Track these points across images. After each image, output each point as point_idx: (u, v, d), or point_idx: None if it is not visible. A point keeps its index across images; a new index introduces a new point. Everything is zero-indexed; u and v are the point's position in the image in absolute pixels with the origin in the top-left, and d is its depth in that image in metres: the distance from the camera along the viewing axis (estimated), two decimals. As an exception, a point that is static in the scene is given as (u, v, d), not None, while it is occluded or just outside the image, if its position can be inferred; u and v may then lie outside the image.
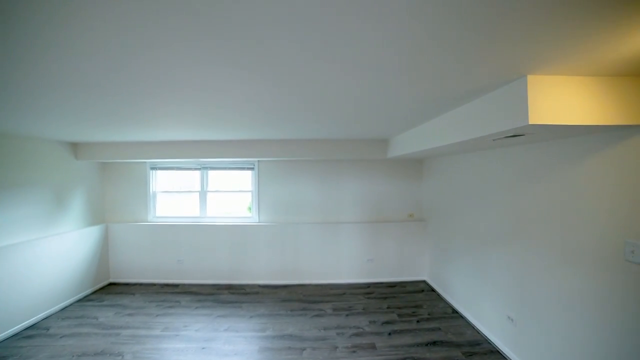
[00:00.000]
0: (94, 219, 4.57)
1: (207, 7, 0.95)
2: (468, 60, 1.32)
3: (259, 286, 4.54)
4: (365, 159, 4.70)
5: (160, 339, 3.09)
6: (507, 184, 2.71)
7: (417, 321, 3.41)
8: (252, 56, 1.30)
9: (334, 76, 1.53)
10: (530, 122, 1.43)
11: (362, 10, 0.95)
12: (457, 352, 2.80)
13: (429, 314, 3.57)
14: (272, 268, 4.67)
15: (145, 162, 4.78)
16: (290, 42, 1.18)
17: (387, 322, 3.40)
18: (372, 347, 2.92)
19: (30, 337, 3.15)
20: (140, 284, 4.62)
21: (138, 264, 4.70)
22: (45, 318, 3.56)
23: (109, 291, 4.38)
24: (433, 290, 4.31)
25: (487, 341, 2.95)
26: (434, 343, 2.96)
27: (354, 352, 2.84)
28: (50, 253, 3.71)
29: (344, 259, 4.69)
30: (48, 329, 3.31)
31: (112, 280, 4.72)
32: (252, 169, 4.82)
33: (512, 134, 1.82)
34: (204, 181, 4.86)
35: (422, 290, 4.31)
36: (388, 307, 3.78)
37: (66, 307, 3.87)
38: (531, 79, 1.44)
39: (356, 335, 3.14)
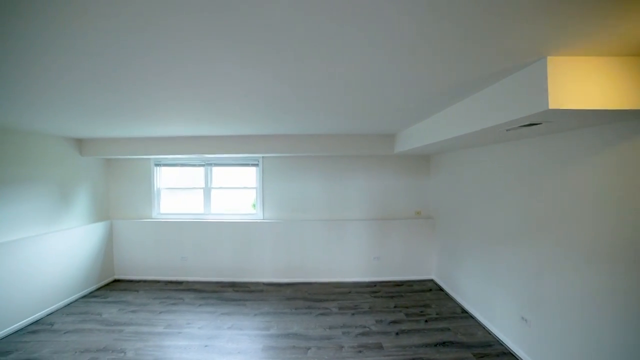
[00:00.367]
0: (99, 216, 4.56)
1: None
2: (483, 42, 1.23)
3: (264, 284, 4.48)
4: (372, 155, 4.60)
5: (162, 336, 3.05)
6: (520, 178, 2.59)
7: (426, 321, 3.31)
8: (259, 43, 1.26)
9: (344, 62, 1.46)
10: (550, 107, 1.33)
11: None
12: (467, 354, 2.69)
13: (437, 314, 3.47)
14: (277, 266, 4.61)
15: (149, 158, 4.76)
16: (298, 25, 1.12)
17: (394, 322, 3.30)
18: (379, 347, 2.83)
19: (34, 332, 3.15)
20: (145, 281, 4.60)
21: (142, 261, 4.69)
22: (50, 314, 3.56)
23: (113, 288, 4.38)
24: (441, 289, 4.20)
25: (499, 342, 2.83)
26: (444, 344, 2.86)
27: (360, 352, 2.76)
28: (55, 249, 3.71)
29: (349, 257, 4.60)
30: (52, 325, 3.31)
31: (116, 277, 4.72)
32: (256, 165, 4.76)
33: (528, 123, 1.72)
34: (208, 178, 4.83)
35: (430, 290, 4.20)
36: (395, 306, 3.68)
37: (71, 303, 3.86)
38: (552, 61, 1.34)
39: (362, 334, 3.05)
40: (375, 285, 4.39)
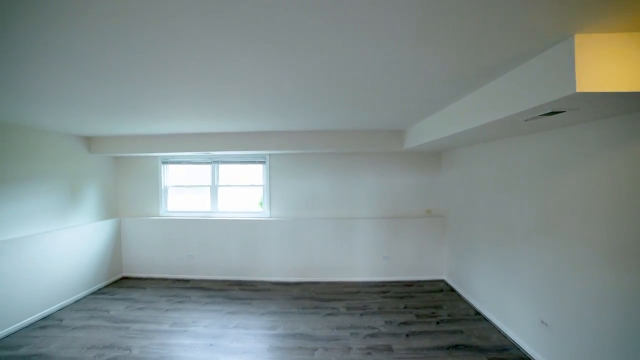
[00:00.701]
0: (107, 213, 4.59)
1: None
2: (502, 22, 1.13)
3: (270, 283, 4.43)
4: (381, 152, 4.49)
5: (168, 334, 3.02)
6: (539, 173, 2.45)
7: (437, 322, 3.19)
8: (267, 32, 1.23)
9: (354, 49, 1.38)
10: (577, 90, 1.21)
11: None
12: (482, 358, 2.56)
13: (449, 315, 3.34)
14: (284, 264, 4.54)
15: (156, 156, 4.77)
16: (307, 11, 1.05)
17: (405, 323, 3.19)
18: (389, 349, 2.73)
19: (44, 327, 3.18)
20: (152, 279, 4.61)
21: (150, 259, 4.69)
22: (60, 309, 3.59)
23: (121, 285, 4.39)
24: (453, 290, 4.06)
25: (515, 347, 2.69)
26: (456, 347, 2.73)
27: (369, 354, 2.66)
28: (65, 245, 3.74)
29: (358, 256, 4.50)
30: (61, 320, 3.33)
31: (125, 274, 4.74)
32: (263, 162, 4.71)
33: (550, 111, 1.59)
34: (214, 175, 4.80)
35: (441, 290, 4.07)
36: (405, 307, 3.57)
37: (80, 299, 3.89)
38: (579, 40, 1.22)
39: (371, 336, 2.95)
40: (384, 285, 4.28)
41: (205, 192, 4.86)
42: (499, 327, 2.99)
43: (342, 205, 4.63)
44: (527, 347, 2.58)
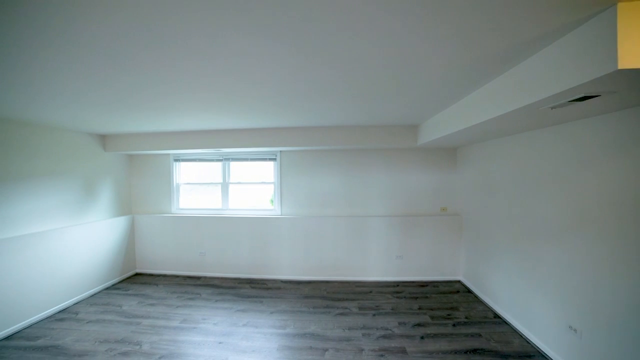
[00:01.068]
0: (121, 210, 4.65)
1: None
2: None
3: (281, 281, 4.37)
4: (394, 148, 4.36)
5: (178, 330, 3.01)
6: (567, 167, 2.28)
7: (453, 325, 3.04)
8: (280, 24, 1.19)
9: (366, 34, 1.29)
10: (619, 67, 1.08)
11: None
12: (503, 363, 2.41)
13: (466, 318, 3.18)
14: (295, 263, 4.48)
15: (169, 154, 4.80)
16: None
17: (419, 325, 3.06)
18: (402, 351, 2.61)
19: (61, 320, 3.25)
20: (165, 275, 4.64)
21: (162, 256, 4.73)
22: (76, 303, 3.66)
23: (134, 281, 4.44)
24: (469, 291, 3.89)
25: (540, 353, 2.52)
26: (475, 351, 2.59)
27: (382, 355, 2.55)
28: (81, 241, 3.81)
29: (371, 255, 4.39)
30: (77, 314, 3.39)
31: (138, 270, 4.79)
32: (274, 159, 4.66)
33: (582, 95, 1.45)
34: (225, 173, 4.79)
35: (457, 291, 3.90)
36: (419, 308, 3.44)
37: (95, 294, 3.95)
38: (623, 8, 1.08)
39: (384, 337, 2.84)
40: (397, 285, 4.15)
41: (217, 189, 4.86)
42: (521, 331, 2.81)
43: (354, 203, 4.53)
44: (552, 354, 2.41)
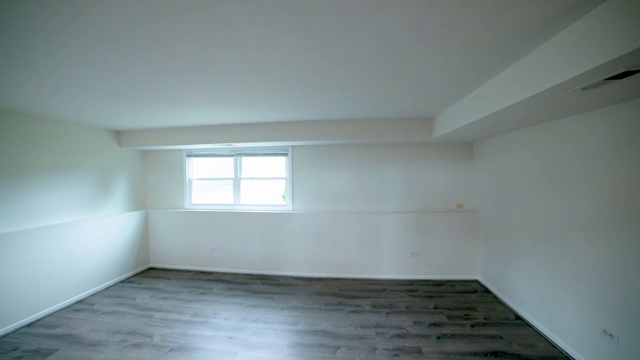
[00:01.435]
0: (135, 205, 4.72)
1: None
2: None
3: (293, 278, 4.32)
4: (408, 143, 4.22)
5: (189, 324, 3.00)
6: (597, 158, 2.11)
7: (472, 325, 2.90)
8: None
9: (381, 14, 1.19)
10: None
11: None
12: (526, 367, 2.27)
13: (485, 318, 3.03)
14: (307, 259, 4.42)
15: (181, 149, 4.83)
16: None
17: (435, 324, 2.94)
18: (418, 351, 2.50)
19: (78, 310, 3.33)
20: (177, 270, 4.68)
21: (175, 251, 4.77)
22: (93, 294, 3.74)
23: (148, 275, 4.49)
24: (488, 291, 3.72)
25: (568, 358, 2.36)
26: (495, 354, 2.45)
27: (397, 355, 2.45)
28: (97, 234, 3.88)
29: (384, 252, 4.27)
30: (93, 305, 3.45)
31: (151, 264, 4.85)
32: (285, 154, 4.61)
33: (622, 70, 1.30)
34: (237, 168, 4.78)
35: (475, 291, 3.74)
36: (435, 308, 3.31)
37: (110, 286, 4.02)
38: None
39: (398, 336, 2.74)
40: (412, 284, 4.02)
41: (228, 185, 4.85)
42: (546, 334, 2.65)
43: (367, 199, 4.42)
44: None
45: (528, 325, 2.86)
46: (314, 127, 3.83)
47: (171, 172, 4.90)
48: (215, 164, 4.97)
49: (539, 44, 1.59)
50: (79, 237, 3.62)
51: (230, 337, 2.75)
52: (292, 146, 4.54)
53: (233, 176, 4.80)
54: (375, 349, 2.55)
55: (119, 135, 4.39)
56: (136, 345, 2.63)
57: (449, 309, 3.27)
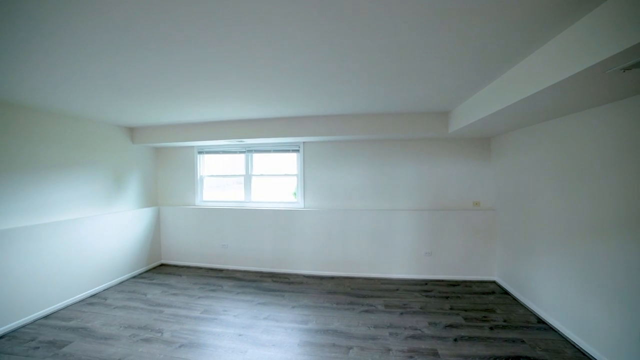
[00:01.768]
0: (148, 201, 4.75)
1: None
2: None
3: (304, 276, 4.26)
4: (423, 138, 4.09)
5: (198, 320, 2.97)
6: (632, 150, 1.95)
7: (490, 328, 2.77)
8: None
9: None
10: None
11: None
12: (552, 374, 2.13)
13: (505, 321, 2.89)
14: (318, 257, 4.35)
15: (193, 146, 4.84)
16: None
17: (451, 326, 2.82)
18: (434, 353, 2.39)
19: (91, 304, 3.37)
20: (188, 267, 4.69)
21: (186, 247, 4.78)
22: (106, 289, 3.78)
23: (159, 271, 4.52)
24: (506, 292, 3.56)
25: (597, 364, 2.21)
26: (518, 358, 2.31)
27: (412, 357, 2.35)
28: (110, 230, 3.92)
29: (397, 251, 4.16)
30: (106, 299, 3.49)
31: (163, 261, 4.88)
32: (297, 151, 4.55)
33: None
34: (248, 165, 4.75)
35: (493, 292, 3.58)
36: (451, 308, 3.18)
37: (123, 281, 4.05)
38: None
39: (413, 337, 2.63)
40: (426, 284, 3.89)
41: (239, 181, 4.83)
42: (573, 340, 2.48)
43: (380, 196, 4.31)
44: (615, 368, 2.09)
45: (552, 329, 2.71)
46: (325, 123, 3.76)
47: (183, 169, 4.92)
48: (226, 161, 4.95)
49: (572, 22, 1.46)
50: (93, 232, 3.67)
51: (240, 335, 2.70)
52: (303, 142, 4.48)
53: (244, 173, 4.77)
54: (389, 350, 2.45)
55: (132, 132, 4.43)
56: (146, 340, 2.62)
57: (465, 310, 3.13)
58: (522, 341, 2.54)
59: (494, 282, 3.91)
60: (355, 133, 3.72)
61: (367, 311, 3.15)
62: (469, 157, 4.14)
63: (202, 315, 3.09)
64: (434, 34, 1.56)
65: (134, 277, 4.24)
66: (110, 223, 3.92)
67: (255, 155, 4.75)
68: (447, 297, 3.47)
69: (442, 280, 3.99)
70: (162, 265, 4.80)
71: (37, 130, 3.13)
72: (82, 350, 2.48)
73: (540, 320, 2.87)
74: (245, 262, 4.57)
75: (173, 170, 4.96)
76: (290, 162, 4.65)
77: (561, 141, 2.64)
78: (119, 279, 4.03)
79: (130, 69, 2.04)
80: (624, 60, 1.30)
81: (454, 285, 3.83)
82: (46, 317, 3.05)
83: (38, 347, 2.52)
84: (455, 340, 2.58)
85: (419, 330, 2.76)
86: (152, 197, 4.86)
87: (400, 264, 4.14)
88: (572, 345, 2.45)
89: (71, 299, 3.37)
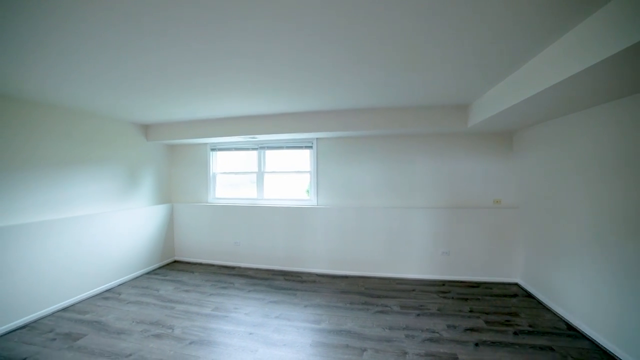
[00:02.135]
0: (161, 198, 4.79)
1: None
2: None
3: (316, 275, 4.18)
4: (440, 133, 3.92)
5: (209, 318, 2.94)
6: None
7: (515, 333, 2.59)
8: None
9: None
10: None
11: None
12: (586, 385, 1.95)
13: (530, 326, 2.71)
14: (331, 256, 4.25)
15: (206, 143, 4.84)
16: None
17: (472, 330, 2.66)
18: (454, 358, 2.25)
19: (106, 298, 3.41)
20: (201, 264, 4.69)
21: (199, 244, 4.79)
22: (120, 284, 3.83)
23: (172, 268, 4.54)
24: (530, 295, 3.35)
25: (637, 376, 2.01)
26: (547, 366, 2.15)
27: (429, 362, 2.22)
28: (125, 226, 3.96)
29: (413, 250, 4.01)
30: (120, 294, 3.52)
31: (176, 258, 4.91)
32: (310, 147, 4.47)
33: None
34: (261, 162, 4.70)
35: (515, 295, 3.39)
36: (471, 311, 3.02)
37: (137, 277, 4.09)
38: None
39: (431, 340, 2.50)
40: (443, 284, 3.73)
41: (252, 180, 4.80)
42: (611, 350, 2.27)
43: (395, 194, 4.17)
44: (657, 379, 1.90)
45: (585, 337, 2.50)
46: (339, 117, 3.66)
47: (196, 166, 4.93)
48: (239, 158, 4.93)
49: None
50: (108, 228, 3.71)
51: (250, 333, 2.64)
52: (316, 139, 4.39)
53: (256, 170, 4.73)
54: (406, 353, 2.33)
55: (147, 129, 4.46)
56: (157, 336, 2.60)
57: (486, 313, 2.96)
58: (551, 349, 2.36)
59: (516, 284, 3.71)
60: (370, 128, 3.61)
61: (381, 312, 3.03)
62: (489, 153, 3.94)
63: (213, 312, 3.06)
64: (456, 16, 1.44)
65: (148, 273, 4.28)
66: (125, 219, 3.96)
67: (268, 152, 4.70)
68: (466, 299, 3.30)
69: (461, 281, 3.82)
70: (175, 262, 4.83)
71: (58, 127, 3.20)
72: (95, 344, 2.48)
73: (571, 327, 2.67)
74: (257, 259, 4.53)
75: (186, 167, 4.98)
76: (303, 159, 4.58)
77: (593, 134, 2.45)
78: (133, 274, 4.06)
79: (147, 61, 2.01)
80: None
81: (473, 287, 3.65)
82: (64, 309, 3.11)
83: (55, 339, 2.56)
84: (477, 345, 2.43)
85: (437, 333, 2.62)
86: (165, 194, 4.89)
87: (416, 263, 3.99)
88: (610, 356, 2.24)
89: (87, 292, 3.42)
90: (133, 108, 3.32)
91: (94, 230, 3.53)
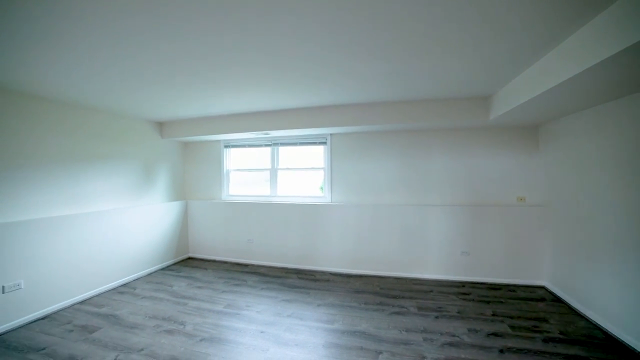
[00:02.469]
0: (176, 195, 4.83)
1: None
2: None
3: (330, 273, 4.08)
4: (459, 127, 3.73)
5: (221, 315, 2.90)
6: None
7: (544, 340, 2.40)
8: None
9: None
10: None
11: None
12: (628, 399, 1.76)
13: (561, 333, 2.50)
14: (345, 254, 4.15)
15: (219, 140, 4.84)
16: None
17: (495, 335, 2.49)
18: (477, 365, 2.10)
19: (122, 293, 3.46)
20: (214, 261, 4.70)
21: (213, 241, 4.79)
22: (136, 279, 3.88)
23: (186, 264, 4.56)
24: (559, 300, 3.13)
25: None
26: (582, 377, 1.96)
27: (450, 368, 2.08)
28: (140, 222, 4.01)
29: (431, 249, 3.84)
30: (135, 289, 3.56)
31: (190, 254, 4.94)
32: (324, 143, 4.38)
33: None
34: (274, 158, 4.65)
35: (542, 299, 3.17)
36: (493, 314, 2.84)
37: (152, 272, 4.14)
38: None
39: (451, 345, 2.35)
40: (463, 286, 3.55)
41: (266, 179, 4.76)
42: (650, 358, 2.07)
43: (412, 191, 4.01)
44: None
45: (627, 348, 2.29)
46: (354, 112, 3.54)
47: (209, 163, 4.94)
48: (253, 155, 4.90)
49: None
50: (125, 223, 3.76)
51: (262, 332, 2.58)
52: (330, 134, 4.30)
53: (270, 167, 4.69)
54: (424, 357, 2.20)
55: (161, 126, 4.51)
56: (169, 332, 2.58)
57: (511, 318, 2.78)
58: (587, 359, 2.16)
59: (542, 287, 3.48)
60: (387, 122, 3.47)
61: (398, 313, 2.90)
62: (512, 148, 3.72)
63: (225, 309, 3.02)
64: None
65: (163, 269, 4.31)
66: (140, 215, 4.00)
67: (282, 149, 4.64)
68: (488, 302, 3.12)
69: (482, 283, 3.62)
70: (189, 258, 4.86)
71: (73, 123, 3.26)
72: (109, 337, 2.50)
73: (609, 336, 2.45)
74: (270, 257, 4.48)
75: (200, 164, 5.00)
76: (317, 155, 4.49)
77: (632, 124, 2.22)
78: (148, 270, 4.11)
79: (150, 53, 1.98)
80: None
81: (495, 289, 3.45)
82: (82, 302, 3.18)
83: (72, 331, 2.61)
84: (502, 351, 2.26)
85: (457, 337, 2.46)
86: (180, 191, 4.93)
87: (434, 263, 3.82)
88: (653, 367, 2.04)
89: (105, 286, 3.49)
90: (145, 100, 3.27)
91: (112, 224, 3.59)
